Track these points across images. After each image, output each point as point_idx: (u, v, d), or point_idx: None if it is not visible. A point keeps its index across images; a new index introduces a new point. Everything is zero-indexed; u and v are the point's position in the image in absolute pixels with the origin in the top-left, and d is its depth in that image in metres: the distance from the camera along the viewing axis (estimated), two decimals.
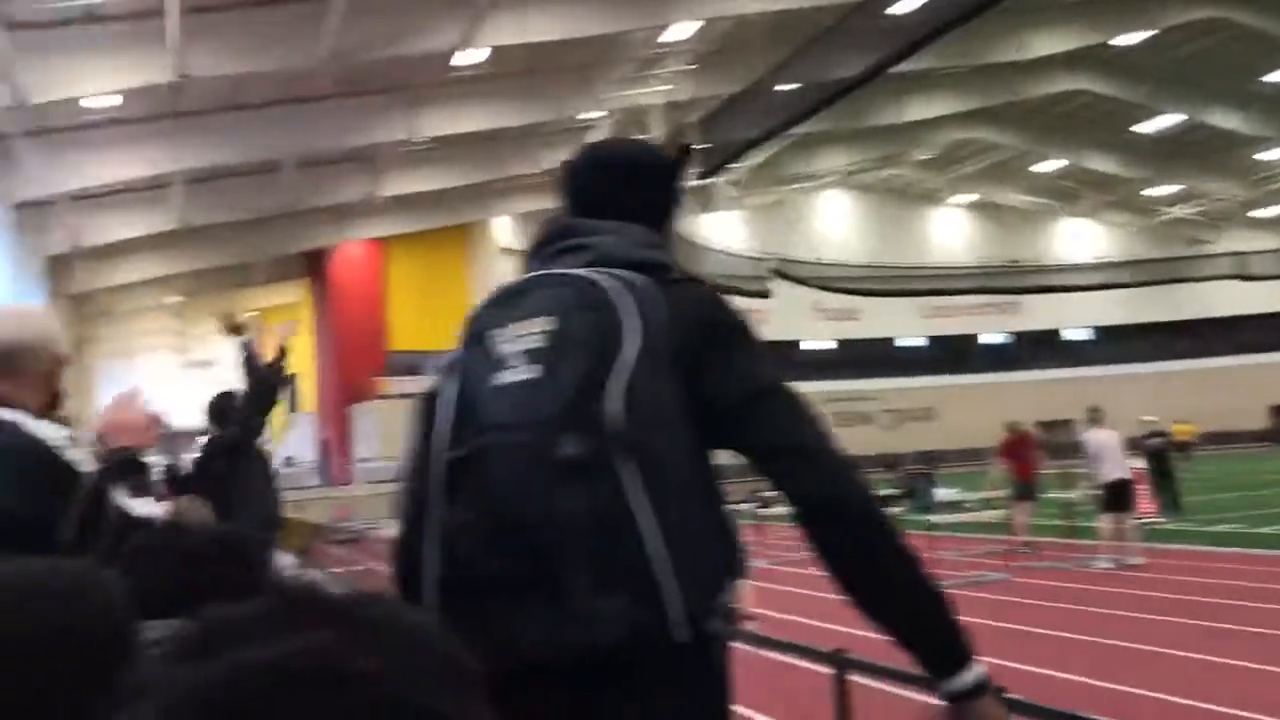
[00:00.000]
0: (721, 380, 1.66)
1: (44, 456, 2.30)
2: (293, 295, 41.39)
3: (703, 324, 1.70)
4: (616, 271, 1.69)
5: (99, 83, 17.43)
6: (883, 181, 46.19)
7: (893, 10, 17.78)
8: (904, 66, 22.06)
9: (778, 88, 20.81)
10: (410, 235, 35.33)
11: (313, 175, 27.07)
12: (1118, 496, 11.62)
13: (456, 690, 0.53)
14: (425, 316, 39.15)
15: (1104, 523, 11.77)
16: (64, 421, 2.58)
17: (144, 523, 2.34)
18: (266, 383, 5.58)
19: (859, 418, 48.38)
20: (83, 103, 18.43)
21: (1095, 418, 12.35)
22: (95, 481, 2.32)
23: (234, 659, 0.48)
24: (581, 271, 1.69)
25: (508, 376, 1.62)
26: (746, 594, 5.85)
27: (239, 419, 5.50)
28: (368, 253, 37.98)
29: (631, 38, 24.01)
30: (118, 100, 18.92)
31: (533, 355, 1.62)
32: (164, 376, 44.98)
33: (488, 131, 26.45)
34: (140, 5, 16.59)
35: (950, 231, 49.98)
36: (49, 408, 2.45)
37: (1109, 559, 11.51)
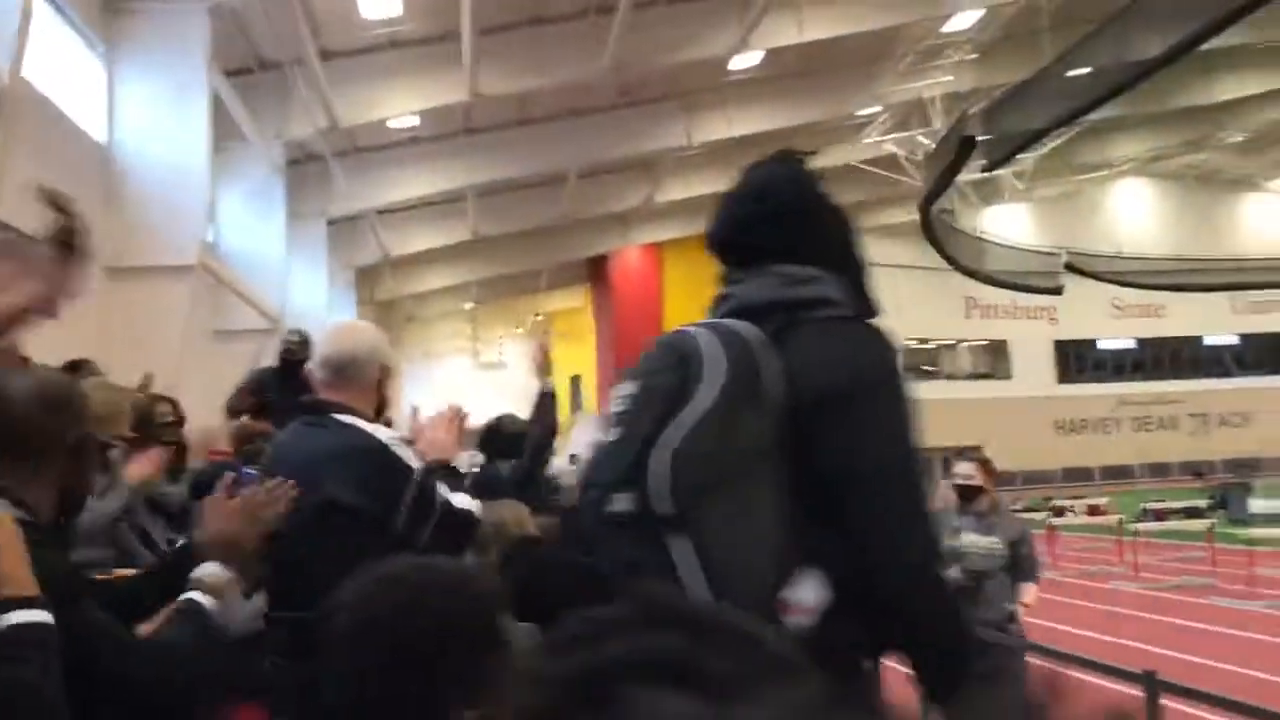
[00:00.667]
0: (826, 447, 1.67)
1: (381, 455, 2.56)
2: (575, 300, 43.01)
3: (825, 376, 1.71)
4: (726, 322, 1.80)
5: (401, 104, 18.69)
6: (1188, 168, 42.52)
7: None
8: (1213, 42, 20.18)
9: (1069, 73, 19.50)
10: (686, 239, 35.87)
11: (594, 184, 27.94)
12: None
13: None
14: (701, 318, 39.65)
15: None
16: (388, 424, 2.86)
17: (465, 515, 2.59)
18: (553, 427, 5.56)
19: (1162, 422, 44.95)
20: (388, 124, 19.83)
21: None
22: (422, 477, 2.57)
23: (595, 654, 0.55)
24: (696, 327, 1.80)
25: (608, 437, 1.75)
26: (1029, 599, 5.49)
27: (529, 454, 5.41)
28: (645, 257, 38.87)
29: (910, 30, 23.29)
30: (416, 120, 20.25)
31: (619, 418, 1.75)
32: (458, 377, 47.98)
33: (762, 134, 26.38)
34: (437, 29, 17.66)
35: (1267, 220, 45.37)
36: (378, 413, 2.75)
37: None
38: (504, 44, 17.97)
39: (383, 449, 2.58)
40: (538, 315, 44.60)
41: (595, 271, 39.94)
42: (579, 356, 44.20)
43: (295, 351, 6.56)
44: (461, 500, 2.65)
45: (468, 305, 38.32)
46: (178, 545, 2.32)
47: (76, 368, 4.29)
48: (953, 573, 5.11)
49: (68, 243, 1.30)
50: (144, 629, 2.04)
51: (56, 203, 1.34)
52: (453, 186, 23.60)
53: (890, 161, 30.32)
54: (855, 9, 20.67)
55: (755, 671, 0.54)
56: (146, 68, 13.00)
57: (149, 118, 12.96)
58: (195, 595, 1.98)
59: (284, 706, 2.33)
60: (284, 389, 6.01)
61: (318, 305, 21.05)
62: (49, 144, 11.08)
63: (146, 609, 2.06)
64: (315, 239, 21.60)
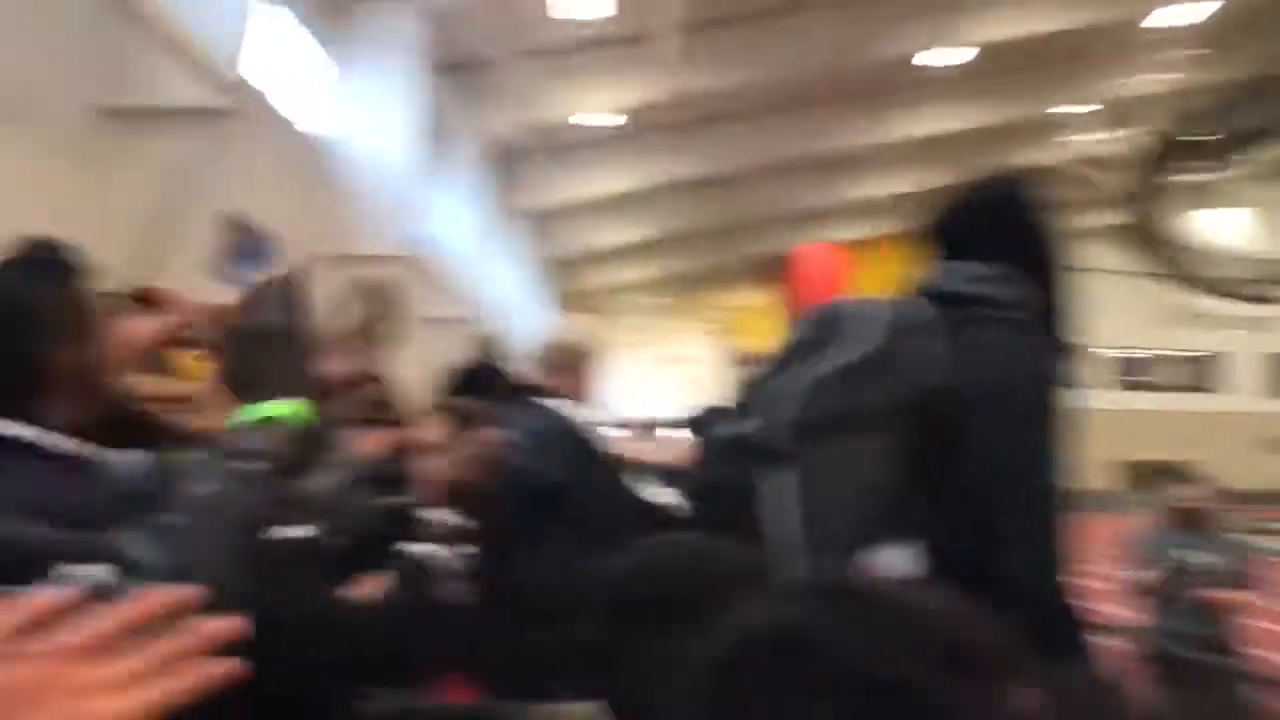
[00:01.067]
0: (958, 448, 1.76)
1: (581, 436, 2.88)
2: (763, 297, 42.78)
3: (969, 373, 1.79)
4: (905, 300, 1.95)
5: (604, 101, 18.99)
6: None
7: None
8: None
9: None
10: (879, 237, 35.13)
11: (786, 181, 27.70)
12: None
13: (949, 669, 0.57)
14: None
15: None
16: (592, 406, 3.18)
17: (655, 507, 2.70)
18: None
19: None
20: (586, 121, 20.19)
21: None
22: (614, 468, 2.84)
23: (738, 623, 0.63)
24: (867, 299, 1.97)
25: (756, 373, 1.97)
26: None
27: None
28: (836, 256, 38.22)
29: (1122, 24, 22.06)
30: (615, 118, 20.53)
31: (770, 361, 1.94)
32: (646, 371, 48.51)
33: (960, 131, 25.57)
34: (642, 26, 17.85)
35: None
36: (581, 397, 3.10)
37: None
38: (708, 40, 18.00)
39: (583, 430, 2.87)
40: (726, 311, 44.62)
41: (784, 269, 39.55)
42: (763, 356, 43.98)
43: (489, 345, 6.78)
44: (657, 494, 2.78)
45: (658, 300, 38.68)
46: (395, 505, 2.36)
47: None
48: (1175, 593, 5.22)
49: (372, 332, 1.39)
50: (361, 589, 2.06)
51: (373, 295, 1.43)
52: (649, 182, 23.83)
53: (1096, 162, 28.83)
54: (1065, 3, 19.74)
55: (892, 646, 0.59)
56: (364, 67, 13.64)
57: (365, 114, 13.60)
58: (423, 547, 1.95)
59: (496, 676, 2.38)
60: (479, 381, 6.21)
61: (516, 297, 21.67)
62: (275, 141, 11.76)
63: (363, 567, 2.06)
64: (514, 232, 22.22)
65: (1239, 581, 5.33)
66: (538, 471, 2.78)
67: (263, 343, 1.16)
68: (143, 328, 2.41)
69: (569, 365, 3.11)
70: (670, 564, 1.33)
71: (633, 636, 1.23)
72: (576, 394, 3.07)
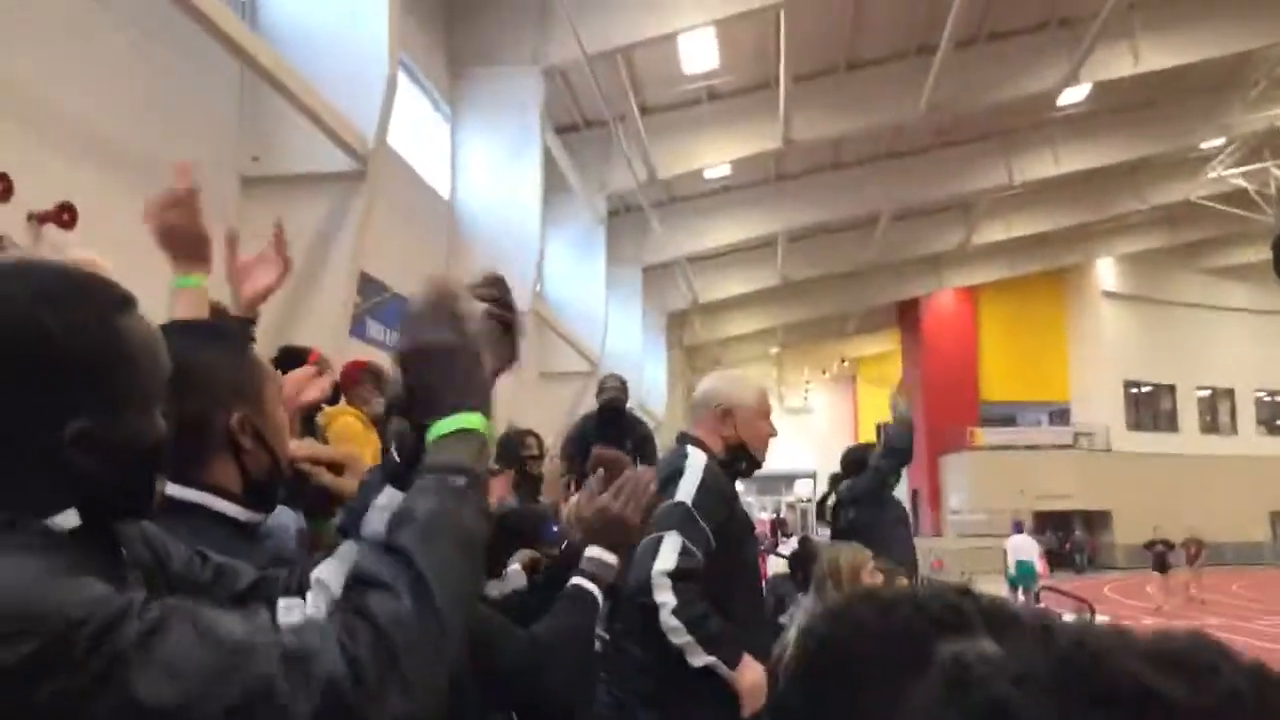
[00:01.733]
0: None
1: (713, 482, 2.91)
2: (884, 345, 42.20)
3: None
4: None
5: (716, 155, 19.12)
6: None
7: None
8: None
9: None
10: (1003, 282, 34.39)
11: (907, 226, 27.39)
12: None
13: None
14: (1018, 366, 37.83)
15: None
16: (749, 462, 3.16)
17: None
18: (905, 440, 6.01)
19: None
20: (703, 174, 20.35)
21: None
22: (684, 510, 2.80)
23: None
24: None
25: None
26: None
27: (875, 461, 5.91)
28: (959, 301, 37.60)
29: (1262, 54, 21.29)
30: (729, 170, 20.65)
31: None
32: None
33: (1090, 170, 24.93)
34: (753, 79, 17.97)
35: None
36: (738, 448, 3.10)
37: None
38: (818, 90, 18.01)
39: (674, 471, 2.89)
40: (844, 360, 44.11)
41: (905, 315, 39.05)
42: (887, 403, 43.21)
43: (615, 397, 6.78)
44: (664, 564, 2.75)
45: (774, 349, 38.47)
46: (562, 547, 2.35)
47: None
48: None
49: (505, 319, 1.36)
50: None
51: (491, 285, 1.41)
52: (763, 232, 23.84)
53: (1239, 197, 27.73)
54: (1197, 36, 19.13)
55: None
56: (485, 127, 14.05)
57: (487, 174, 13.98)
58: (583, 581, 1.93)
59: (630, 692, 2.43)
60: (604, 433, 6.25)
61: (633, 349, 21.81)
62: (404, 201, 12.16)
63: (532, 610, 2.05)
64: (631, 285, 22.43)
65: None
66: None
67: (447, 358, 1.17)
68: (304, 388, 2.49)
69: (703, 414, 3.09)
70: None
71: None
72: (717, 441, 3.05)
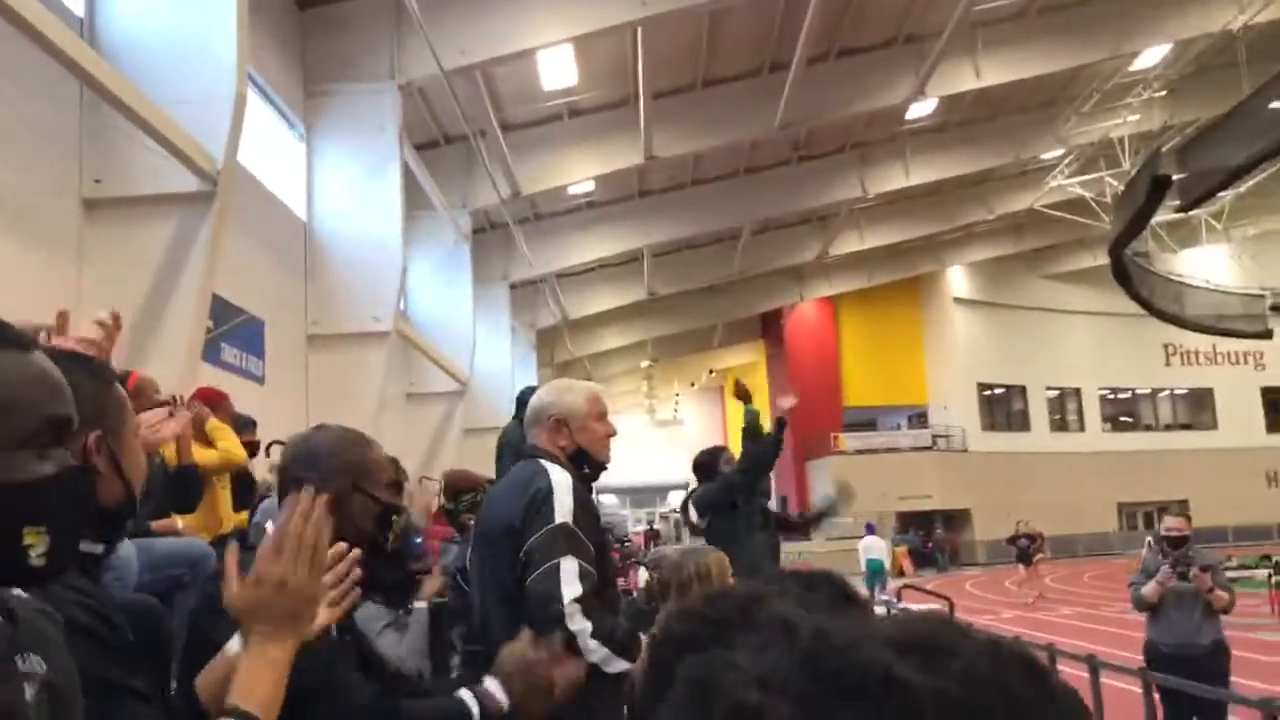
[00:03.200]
0: None
1: (535, 495, 2.84)
2: (750, 355, 42.95)
3: None
4: None
5: (578, 171, 19.19)
6: None
7: None
8: None
9: (1271, 105, 18.40)
10: (862, 291, 35.41)
11: (767, 239, 27.99)
12: None
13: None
14: (878, 372, 39.01)
15: None
16: (592, 465, 3.11)
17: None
18: (765, 451, 6.08)
19: None
20: (566, 190, 20.41)
21: None
22: (558, 530, 2.77)
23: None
24: None
25: None
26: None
27: (729, 475, 5.96)
28: (820, 311, 38.57)
29: (1094, 70, 22.50)
30: (593, 185, 20.75)
31: None
32: (635, 434, 48.44)
33: (939, 182, 25.95)
34: (612, 96, 18.12)
35: None
36: (577, 455, 3.07)
37: None
38: (677, 106, 18.27)
39: (539, 491, 2.84)
40: (712, 371, 44.71)
41: (769, 326, 39.85)
42: (759, 416, 43.96)
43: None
44: (572, 591, 2.72)
45: (644, 363, 38.75)
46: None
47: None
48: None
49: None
50: None
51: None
52: (628, 248, 24.03)
53: (1079, 205, 29.21)
54: (1035, 52, 20.13)
55: None
56: (342, 145, 13.77)
57: (345, 193, 13.71)
58: (469, 699, 2.01)
59: None
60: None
61: (503, 368, 21.68)
62: (257, 221, 11.85)
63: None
64: (498, 303, 22.31)
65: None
66: (506, 521, 2.85)
67: None
68: (158, 429, 2.43)
69: (539, 425, 3.07)
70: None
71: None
72: (558, 450, 3.03)
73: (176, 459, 4.37)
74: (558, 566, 2.69)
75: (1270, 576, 15.49)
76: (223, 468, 5.01)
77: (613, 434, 3.16)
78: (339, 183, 13.73)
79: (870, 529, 21.72)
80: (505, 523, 2.82)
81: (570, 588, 2.68)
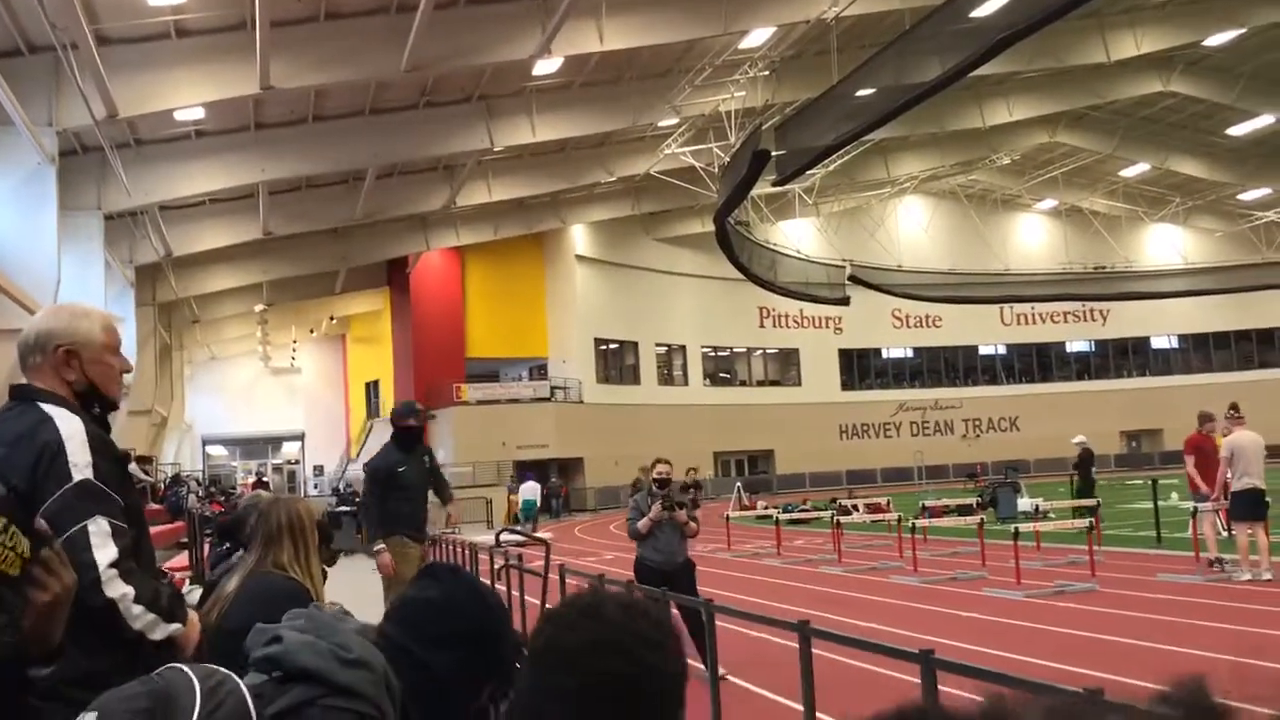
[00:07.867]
0: None
1: (101, 444, 2.45)
2: (374, 303, 42.10)
3: None
4: None
5: (186, 95, 17.87)
6: (963, 187, 45.44)
7: (976, 12, 17.43)
8: (986, 70, 21.67)
9: (857, 93, 20.52)
10: (488, 244, 35.71)
11: (393, 185, 27.49)
12: (1253, 505, 10.82)
13: None
14: (502, 324, 39.62)
15: (1239, 533, 11.01)
16: (105, 405, 2.64)
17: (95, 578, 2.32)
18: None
19: (939, 426, 47.83)
20: (173, 115, 18.92)
21: (1236, 417, 11.42)
22: (78, 491, 2.36)
23: None
24: None
25: None
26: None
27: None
28: (446, 261, 38.49)
29: (708, 44, 23.95)
30: (202, 113, 19.39)
31: None
32: (250, 381, 46.09)
33: (564, 140, 26.64)
34: (225, 19, 17.01)
35: (1033, 238, 49.01)
36: (89, 395, 2.57)
37: (1248, 571, 10.83)
38: (299, 37, 17.47)
39: (48, 446, 2.39)
40: (333, 318, 43.42)
41: (394, 275, 39.24)
42: (377, 361, 43.28)
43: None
44: (107, 555, 2.34)
45: (259, 307, 36.89)
46: None
47: None
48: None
49: None
50: None
51: None
52: (242, 182, 22.73)
53: (690, 174, 31.06)
54: (654, 21, 21.10)
55: None
56: None
57: None
58: None
59: None
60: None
61: (93, 305, 19.87)
62: None
63: None
64: (90, 234, 20.32)
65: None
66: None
67: None
68: None
69: (41, 359, 2.55)
70: None
71: None
72: (66, 390, 2.56)
73: None
74: (85, 530, 2.33)
75: (834, 516, 17.44)
76: None
77: (128, 369, 2.78)
78: None
79: (527, 476, 27.38)
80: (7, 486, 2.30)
81: (104, 552, 2.33)
